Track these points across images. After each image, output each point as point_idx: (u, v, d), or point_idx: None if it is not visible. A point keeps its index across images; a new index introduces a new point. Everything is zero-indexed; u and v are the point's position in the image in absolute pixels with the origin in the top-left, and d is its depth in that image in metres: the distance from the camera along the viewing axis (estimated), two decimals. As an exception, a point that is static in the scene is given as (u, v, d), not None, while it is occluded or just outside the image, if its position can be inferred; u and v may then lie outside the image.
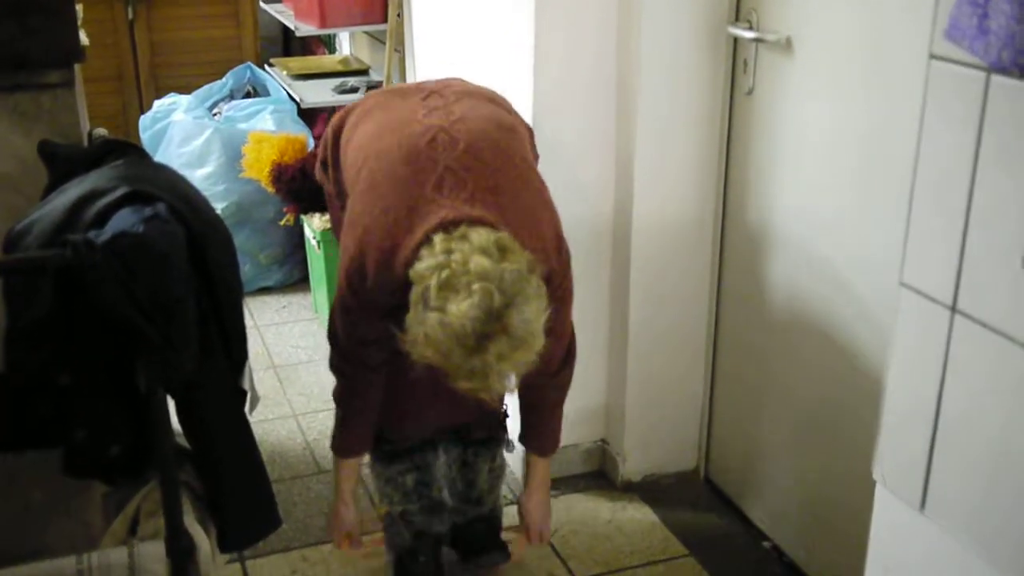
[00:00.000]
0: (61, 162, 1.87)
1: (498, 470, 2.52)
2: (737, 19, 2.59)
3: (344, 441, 2.32)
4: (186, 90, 4.49)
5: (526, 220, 2.05)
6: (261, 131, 4.07)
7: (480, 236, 1.90)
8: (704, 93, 2.66)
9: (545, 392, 2.29)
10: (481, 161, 2.06)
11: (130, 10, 4.53)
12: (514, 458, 2.67)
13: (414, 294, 1.89)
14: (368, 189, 2.09)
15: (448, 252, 1.88)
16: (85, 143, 2.19)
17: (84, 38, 2.22)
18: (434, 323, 1.83)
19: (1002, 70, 1.23)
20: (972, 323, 1.33)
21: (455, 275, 1.84)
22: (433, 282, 1.85)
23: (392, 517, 2.49)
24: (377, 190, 2.06)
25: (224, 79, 4.60)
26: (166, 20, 4.65)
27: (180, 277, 1.56)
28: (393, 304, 1.99)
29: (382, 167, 2.08)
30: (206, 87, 4.54)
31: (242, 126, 4.17)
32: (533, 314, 1.87)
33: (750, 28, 2.53)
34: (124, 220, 1.56)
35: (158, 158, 4.26)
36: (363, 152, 2.17)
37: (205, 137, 4.12)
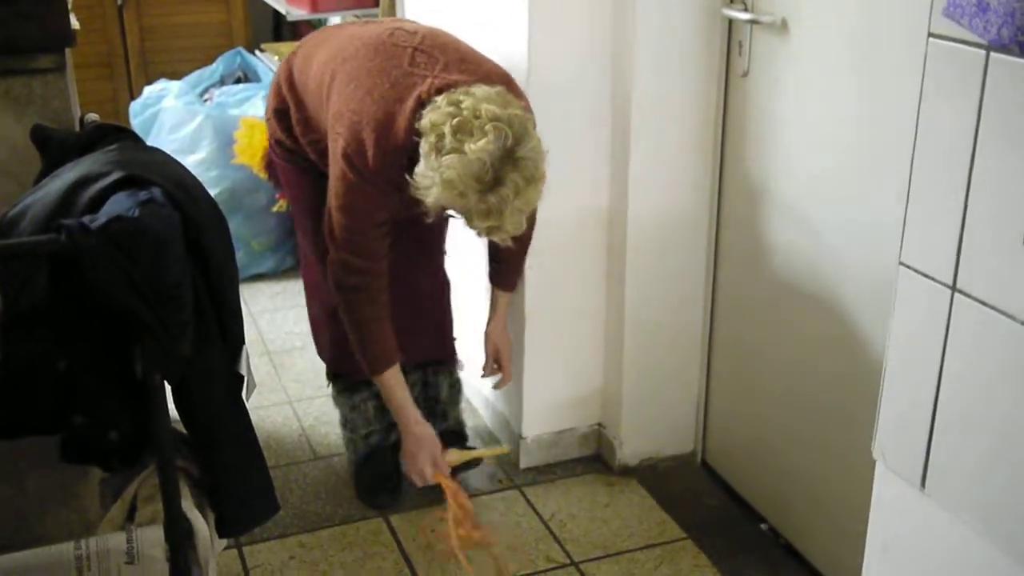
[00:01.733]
0: (54, 147, 1.86)
1: (457, 384, 2.86)
2: (732, 0, 2.58)
3: (377, 353, 2.40)
4: (176, 76, 4.47)
5: (500, 81, 2.26)
6: (253, 117, 4.04)
7: (482, 90, 2.13)
8: (699, 75, 2.65)
9: (513, 259, 2.65)
10: (442, 42, 2.34)
11: (120, -5, 4.50)
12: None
13: (426, 144, 2.10)
14: (345, 84, 2.29)
15: (456, 104, 2.09)
16: (77, 128, 2.18)
17: (75, 23, 2.20)
18: (452, 163, 2.04)
19: (1002, 47, 1.23)
20: (972, 302, 1.33)
21: (468, 120, 2.06)
22: (447, 128, 2.06)
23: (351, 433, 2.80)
24: (355, 82, 2.27)
25: (215, 64, 4.57)
26: (156, 5, 4.62)
27: (176, 262, 1.55)
28: (394, 176, 2.19)
29: (352, 66, 2.31)
30: (196, 73, 4.51)
31: (233, 112, 4.15)
32: (538, 152, 2.11)
33: (745, 9, 2.52)
34: (119, 204, 1.55)
35: (149, 144, 4.24)
36: (329, 65, 2.38)
37: (196, 123, 4.10)
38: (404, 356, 2.54)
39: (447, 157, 2.05)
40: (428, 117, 2.13)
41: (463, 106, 2.09)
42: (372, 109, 2.23)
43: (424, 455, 2.49)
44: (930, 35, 1.33)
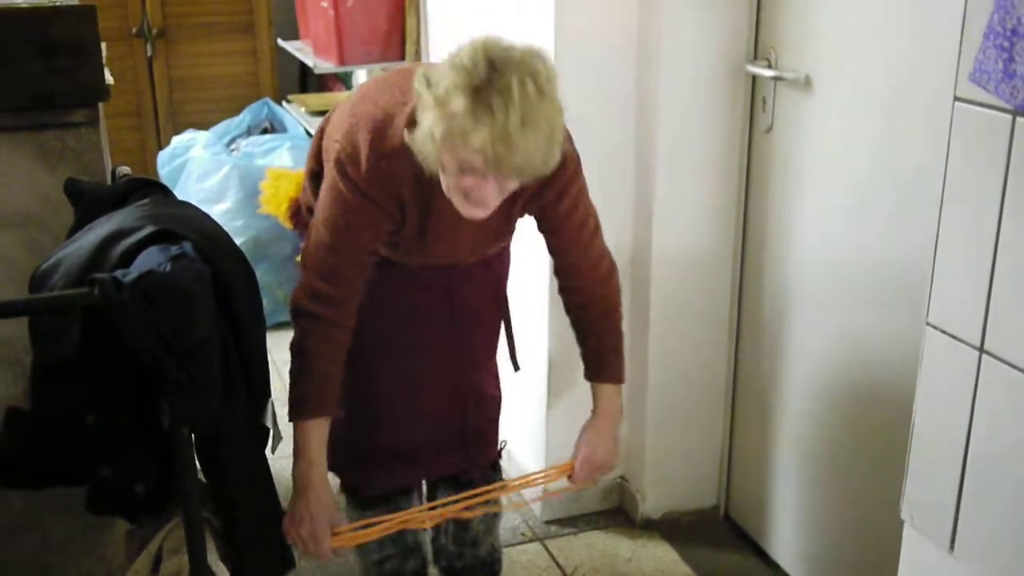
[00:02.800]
0: (87, 200, 1.88)
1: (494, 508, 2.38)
2: (756, 57, 2.60)
3: (308, 394, 1.96)
4: (204, 126, 4.52)
5: None
6: (279, 167, 4.09)
7: None
8: (723, 130, 2.67)
9: (602, 328, 2.16)
10: None
11: (149, 47, 4.57)
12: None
13: (419, 103, 1.78)
14: (354, 103, 2.02)
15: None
16: (109, 181, 2.21)
17: (109, 77, 2.24)
18: (441, 75, 1.72)
19: (1029, 112, 1.24)
20: (1001, 364, 1.33)
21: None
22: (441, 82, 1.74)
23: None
24: (363, 95, 2.01)
25: (242, 115, 4.63)
26: (185, 57, 4.69)
27: (205, 316, 1.57)
28: (390, 187, 1.90)
29: (365, 89, 2.06)
30: (224, 123, 4.57)
31: (260, 162, 4.20)
32: (548, 67, 1.79)
33: (769, 66, 2.54)
34: (151, 259, 1.57)
35: (176, 194, 4.29)
36: (348, 109, 2.08)
37: (223, 173, 4.15)
38: (427, 471, 2.29)
39: (437, 75, 1.74)
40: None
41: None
42: (372, 110, 1.93)
43: (324, 519, 1.96)
44: (956, 99, 1.34)
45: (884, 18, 2.16)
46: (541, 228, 2.09)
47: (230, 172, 4.14)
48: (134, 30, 4.51)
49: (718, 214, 2.73)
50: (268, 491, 1.81)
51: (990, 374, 1.35)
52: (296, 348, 2.00)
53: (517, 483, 2.24)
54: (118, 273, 1.53)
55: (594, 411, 2.21)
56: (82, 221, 1.82)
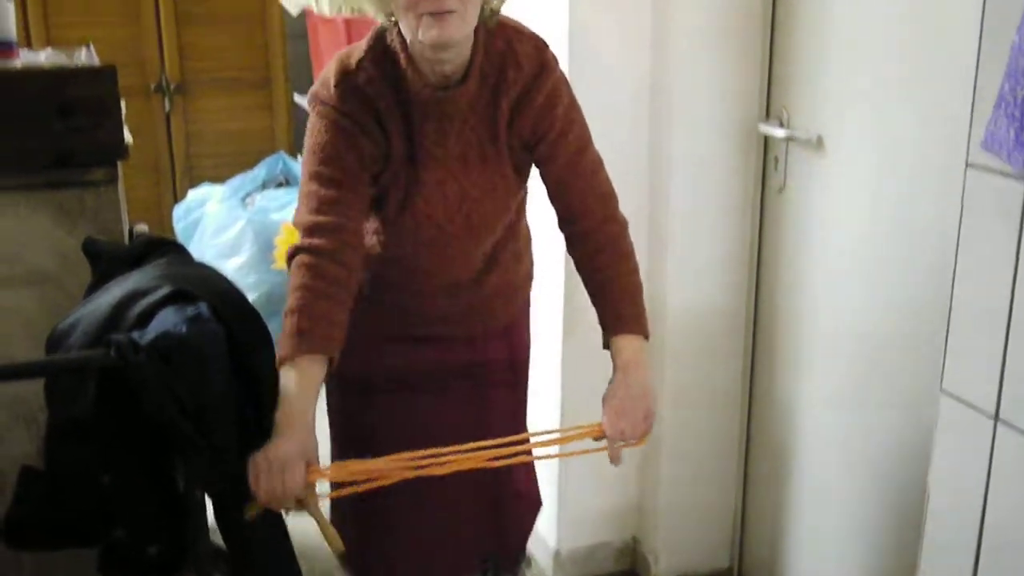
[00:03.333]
0: (104, 260, 1.90)
1: None
2: (768, 117, 2.62)
3: (290, 328, 1.76)
4: (220, 179, 4.55)
5: None
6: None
7: None
8: (736, 189, 2.68)
9: (622, 271, 1.97)
10: None
11: (167, 101, 4.63)
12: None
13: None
14: None
15: None
16: (126, 238, 2.23)
17: (128, 136, 2.27)
18: None
19: (1042, 181, 1.24)
20: (1016, 433, 1.32)
21: None
22: None
23: None
24: None
25: (257, 168, 4.66)
26: (202, 111, 4.74)
27: (221, 378, 1.57)
28: (365, 97, 1.84)
29: None
30: (239, 177, 4.61)
31: (274, 216, 4.22)
32: None
33: (781, 126, 2.55)
34: (167, 320, 1.58)
35: (191, 248, 4.30)
36: None
37: (238, 228, 4.17)
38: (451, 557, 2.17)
39: None
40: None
41: None
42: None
43: (298, 466, 1.64)
44: (968, 165, 1.35)
45: (896, 80, 2.17)
46: (538, 161, 1.97)
47: (245, 227, 4.16)
48: (153, 85, 4.57)
49: (731, 272, 2.73)
50: (285, 554, 1.80)
51: (1005, 442, 1.34)
52: (291, 283, 1.82)
53: (543, 437, 1.96)
54: (135, 334, 1.54)
55: (619, 368, 1.89)
56: (100, 281, 1.84)
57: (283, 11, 4.51)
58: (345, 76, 1.85)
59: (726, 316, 2.76)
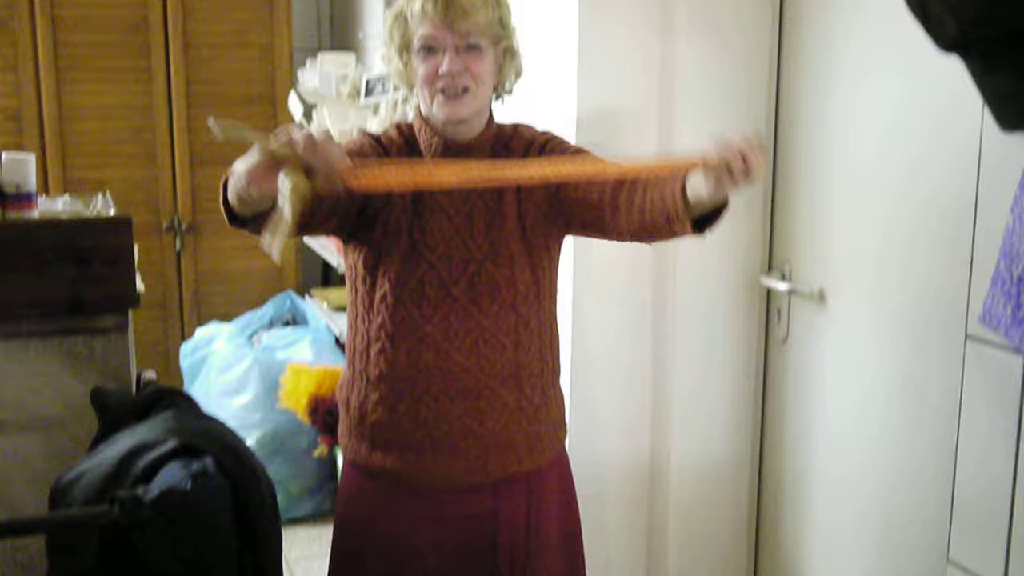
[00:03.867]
0: (111, 410, 1.91)
1: None
2: (771, 269, 2.65)
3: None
4: (228, 317, 4.58)
5: None
6: (299, 361, 4.13)
7: None
8: (739, 340, 2.70)
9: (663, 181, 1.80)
10: None
11: (179, 241, 4.69)
12: None
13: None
14: None
15: None
16: (133, 384, 2.24)
17: (140, 284, 2.30)
18: None
19: (1040, 356, 1.26)
20: (1024, 606, 1.31)
21: None
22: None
23: None
24: None
25: (265, 307, 4.70)
26: (212, 250, 4.81)
27: (224, 534, 1.57)
28: (373, 146, 1.98)
29: None
30: (247, 315, 4.64)
31: (280, 355, 4.24)
32: None
33: (783, 279, 2.59)
34: (172, 475, 1.58)
35: (197, 386, 4.33)
36: None
37: (244, 366, 4.18)
38: None
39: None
40: None
41: None
42: None
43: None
44: (967, 337, 1.37)
45: (895, 236, 2.21)
46: (556, 201, 1.97)
47: (251, 366, 4.18)
48: (165, 225, 4.64)
49: (736, 423, 2.73)
50: None
51: (1014, 615, 1.33)
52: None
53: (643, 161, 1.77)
54: (139, 491, 1.54)
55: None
56: (106, 431, 1.85)
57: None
58: (367, 133, 2.04)
59: (731, 467, 2.75)
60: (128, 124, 4.45)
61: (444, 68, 1.89)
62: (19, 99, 4.23)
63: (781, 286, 2.58)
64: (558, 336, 2.10)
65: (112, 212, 2.32)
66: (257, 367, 4.17)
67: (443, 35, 1.89)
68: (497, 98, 2.03)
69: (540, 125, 2.10)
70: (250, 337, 4.54)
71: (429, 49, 1.91)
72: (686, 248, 2.62)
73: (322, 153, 1.55)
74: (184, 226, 4.67)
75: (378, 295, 1.96)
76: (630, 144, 2.63)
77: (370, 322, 1.97)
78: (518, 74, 2.04)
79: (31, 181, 2.11)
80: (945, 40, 1.34)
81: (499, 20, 1.95)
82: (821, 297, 2.47)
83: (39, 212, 2.20)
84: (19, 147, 4.24)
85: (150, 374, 2.26)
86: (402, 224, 1.94)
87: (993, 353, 1.32)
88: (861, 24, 2.29)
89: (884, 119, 2.21)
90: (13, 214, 2.10)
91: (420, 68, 1.93)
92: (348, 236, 1.98)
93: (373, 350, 1.96)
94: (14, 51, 4.19)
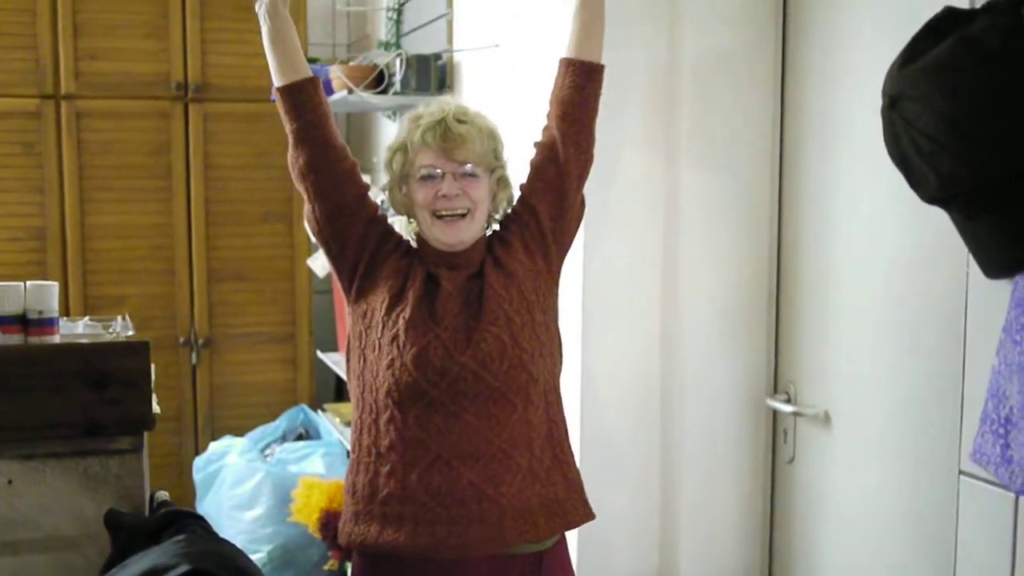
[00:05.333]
0: (125, 532, 1.94)
1: None
2: (776, 391, 2.69)
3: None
4: (241, 430, 4.61)
5: None
6: (311, 474, 4.14)
7: None
8: (746, 460, 2.72)
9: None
10: None
11: (195, 355, 4.75)
12: None
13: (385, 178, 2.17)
14: None
15: None
16: (147, 506, 2.27)
17: (156, 406, 2.34)
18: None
19: (1029, 494, 1.28)
20: None
21: None
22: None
23: None
24: None
25: (278, 420, 4.73)
26: (228, 364, 4.86)
27: (233, 663, 1.59)
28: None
29: None
30: (260, 429, 4.67)
31: (293, 468, 4.26)
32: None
33: (788, 401, 2.62)
34: (183, 601, 1.61)
35: (209, 499, 4.34)
36: None
37: (256, 480, 4.20)
38: None
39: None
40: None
41: None
42: None
43: None
44: (961, 472, 1.40)
45: (893, 368, 2.25)
46: (547, 206, 2.16)
47: (263, 479, 4.19)
48: (182, 340, 4.70)
49: (743, 542, 2.73)
50: None
51: None
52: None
53: None
54: (150, 620, 1.56)
55: None
56: (119, 554, 1.87)
57: (310, 270, 4.70)
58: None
59: (739, 585, 2.75)
60: (148, 242, 4.54)
61: (444, 190, 2.05)
62: (44, 219, 4.33)
63: (786, 408, 2.61)
64: (562, 402, 2.17)
65: (131, 333, 2.38)
66: (269, 480, 4.18)
67: (442, 163, 2.05)
68: (488, 226, 2.17)
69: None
70: (263, 450, 4.56)
71: (429, 176, 2.06)
72: (693, 369, 2.67)
73: None
74: (200, 341, 4.74)
75: (384, 362, 2.05)
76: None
77: (377, 390, 2.06)
78: (509, 203, 2.18)
79: (54, 307, 2.17)
80: (927, 192, 1.40)
81: (493, 151, 2.12)
82: (826, 419, 2.50)
83: (59, 336, 2.25)
84: (42, 264, 4.34)
85: (163, 494, 2.29)
86: (417, 270, 2.11)
87: (984, 488, 1.35)
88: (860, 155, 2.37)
89: (887, 248, 2.26)
90: (35, 339, 2.16)
91: (419, 193, 2.08)
92: (356, 294, 2.15)
93: (382, 419, 2.04)
94: (41, 172, 4.30)
